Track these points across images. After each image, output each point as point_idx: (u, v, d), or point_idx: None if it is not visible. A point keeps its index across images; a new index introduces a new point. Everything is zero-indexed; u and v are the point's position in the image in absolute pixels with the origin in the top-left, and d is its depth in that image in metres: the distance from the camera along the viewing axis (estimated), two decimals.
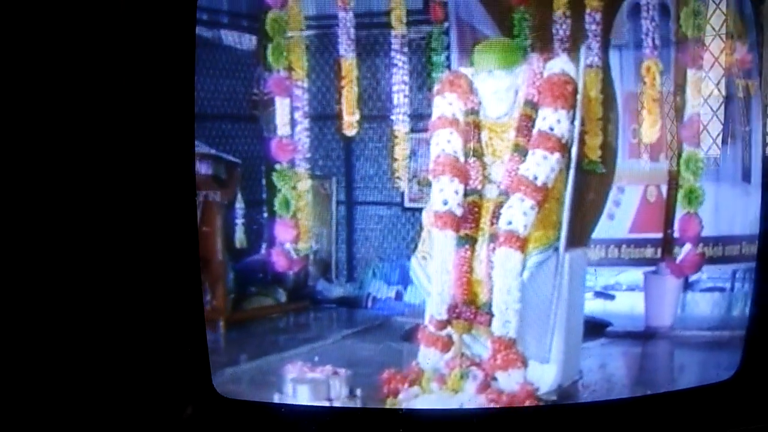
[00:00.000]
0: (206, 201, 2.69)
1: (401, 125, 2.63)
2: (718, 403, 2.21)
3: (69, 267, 2.13)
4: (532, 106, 2.52)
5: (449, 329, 2.54)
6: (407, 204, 2.70)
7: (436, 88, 2.58)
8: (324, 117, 2.69)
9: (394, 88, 2.61)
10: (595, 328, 2.62)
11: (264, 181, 2.69)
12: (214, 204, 2.70)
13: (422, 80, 2.61)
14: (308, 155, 2.68)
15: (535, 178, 2.47)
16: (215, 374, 2.49)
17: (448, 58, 2.62)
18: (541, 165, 2.47)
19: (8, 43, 2.08)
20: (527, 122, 2.51)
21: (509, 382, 2.45)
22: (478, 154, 2.56)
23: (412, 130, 2.63)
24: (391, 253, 2.77)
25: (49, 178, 2.11)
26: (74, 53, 2.09)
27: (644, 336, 2.68)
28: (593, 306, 2.63)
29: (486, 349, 2.50)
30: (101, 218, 2.12)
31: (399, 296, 2.75)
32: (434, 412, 2.41)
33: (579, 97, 2.50)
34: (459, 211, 2.54)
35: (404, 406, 2.44)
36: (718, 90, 2.51)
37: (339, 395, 2.47)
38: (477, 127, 2.57)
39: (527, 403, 2.42)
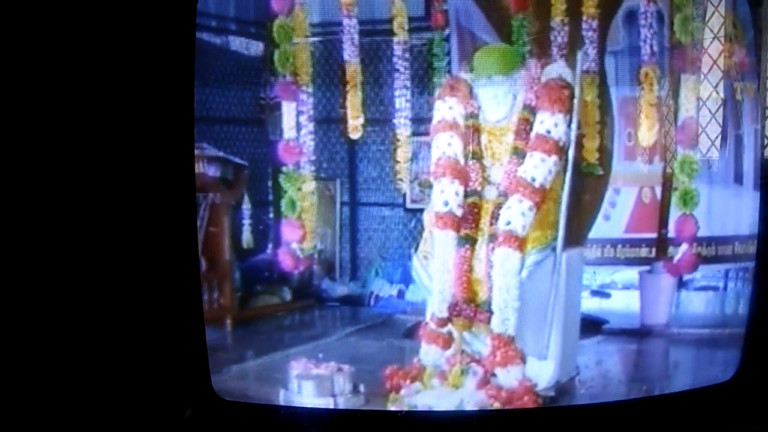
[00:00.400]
0: (214, 202, 2.72)
1: (403, 129, 2.64)
2: (718, 405, 2.21)
3: (69, 269, 2.12)
4: (530, 110, 2.52)
5: (450, 327, 2.55)
6: (409, 205, 2.71)
7: (437, 92, 2.60)
8: (328, 121, 2.70)
9: (397, 92, 2.62)
10: (591, 325, 2.62)
11: (270, 183, 2.71)
12: (222, 205, 2.72)
13: (424, 85, 2.62)
14: (313, 158, 2.70)
15: (533, 180, 2.48)
16: (222, 371, 2.53)
17: (448, 63, 2.63)
18: (539, 167, 2.48)
19: (12, 46, 2.08)
20: (525, 126, 2.52)
21: (508, 378, 2.45)
22: (478, 157, 2.57)
23: (414, 134, 2.64)
24: (393, 252, 2.77)
25: (51, 179, 2.10)
26: (76, 57, 2.08)
27: (639, 333, 2.69)
28: (590, 304, 2.62)
29: (486, 346, 2.51)
30: (101, 219, 2.11)
31: (401, 294, 2.76)
32: (433, 414, 2.41)
33: (576, 101, 2.51)
34: (459, 212, 2.55)
35: (406, 401, 2.44)
36: (717, 92, 2.52)
37: (343, 391, 2.48)
38: (477, 130, 2.58)
39: (526, 399, 2.42)
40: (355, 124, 2.65)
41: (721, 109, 2.53)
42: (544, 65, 2.53)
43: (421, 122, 2.61)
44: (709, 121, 2.55)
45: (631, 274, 2.72)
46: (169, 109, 2.11)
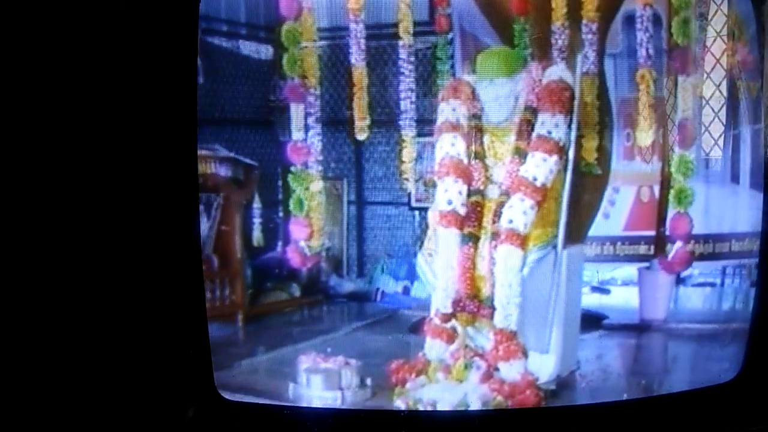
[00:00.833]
0: (226, 201, 2.75)
1: (408, 130, 2.65)
2: (721, 405, 2.20)
3: (72, 269, 2.10)
4: (531, 111, 2.53)
5: (454, 322, 2.56)
6: (414, 204, 2.72)
7: (441, 94, 2.61)
8: (336, 122, 2.71)
9: (402, 94, 2.64)
10: (591, 320, 2.63)
11: (280, 183, 2.71)
12: (233, 204, 2.75)
13: (428, 87, 2.64)
14: (321, 158, 2.71)
15: (535, 179, 2.49)
16: (233, 365, 2.57)
17: (452, 66, 2.64)
18: (540, 167, 2.49)
19: (17, 48, 2.06)
20: (527, 127, 2.53)
21: (510, 371, 2.47)
22: (481, 157, 2.58)
23: (419, 135, 2.65)
24: (398, 250, 2.79)
25: (56, 178, 2.09)
26: (80, 59, 2.06)
27: (638, 328, 2.70)
28: (590, 300, 2.63)
29: (489, 341, 2.53)
30: (105, 219, 2.09)
31: (406, 291, 2.78)
32: (435, 414, 2.41)
33: (576, 102, 2.52)
34: (463, 211, 2.56)
35: (411, 394, 2.45)
36: (720, 91, 2.52)
37: (350, 384, 2.49)
38: (479, 131, 2.59)
39: (528, 392, 2.42)
40: (362, 126, 2.67)
41: (724, 108, 2.53)
42: (545, 67, 2.54)
43: (425, 123, 2.62)
44: (712, 120, 2.55)
45: (630, 270, 2.72)
46: (173, 109, 2.09)
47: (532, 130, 2.53)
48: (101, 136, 2.07)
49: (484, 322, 2.54)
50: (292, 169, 2.70)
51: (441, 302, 2.57)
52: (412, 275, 2.72)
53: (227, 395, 2.35)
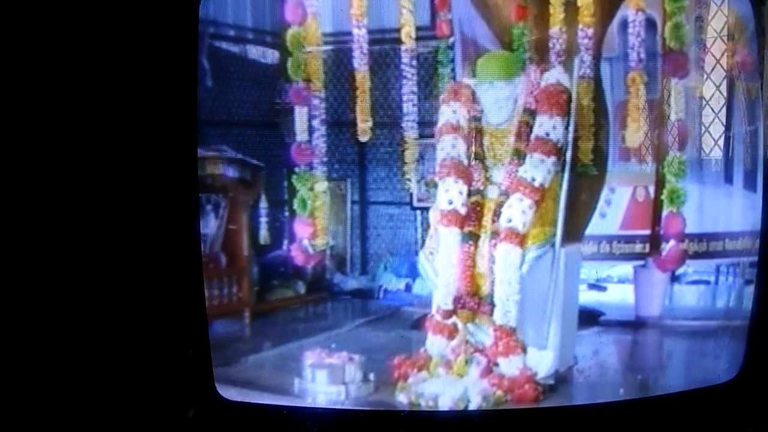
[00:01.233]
0: (233, 201, 2.76)
1: (410, 131, 2.65)
2: (721, 405, 2.19)
3: (74, 270, 2.08)
4: (530, 113, 2.55)
5: (455, 318, 2.57)
6: (416, 204, 2.73)
7: (441, 97, 2.63)
8: (339, 124, 2.72)
9: (404, 97, 2.65)
10: (588, 317, 2.64)
11: (285, 183, 2.72)
12: (241, 204, 2.76)
13: (429, 90, 2.65)
14: (325, 159, 2.72)
15: (533, 180, 2.51)
16: (240, 360, 2.58)
17: (453, 70, 2.66)
18: (539, 167, 2.52)
19: (20, 51, 2.04)
20: (525, 128, 2.55)
21: (510, 367, 2.49)
22: (481, 158, 2.60)
23: (420, 136, 2.65)
24: (401, 248, 2.79)
25: (58, 179, 2.07)
26: (82, 62, 2.05)
27: (634, 325, 2.71)
28: (587, 297, 2.64)
29: (488, 337, 2.54)
30: (105, 220, 2.08)
31: (408, 288, 2.79)
32: (435, 414, 2.42)
33: (573, 105, 2.54)
34: (463, 210, 2.58)
35: (413, 389, 2.46)
36: (720, 92, 2.52)
37: (354, 379, 2.51)
38: (479, 132, 2.61)
39: (527, 387, 2.45)
40: (365, 128, 2.69)
41: (724, 109, 2.53)
42: (543, 71, 2.55)
43: (426, 125, 2.64)
44: (712, 121, 2.56)
45: (626, 268, 2.74)
46: (173, 111, 2.09)
47: (531, 131, 2.55)
48: (102, 138, 2.06)
49: (484, 318, 2.56)
50: (297, 170, 2.71)
51: (442, 299, 2.59)
52: (413, 273, 2.73)
53: (234, 390, 2.37)
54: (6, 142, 2.05)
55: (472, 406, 2.42)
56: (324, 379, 2.50)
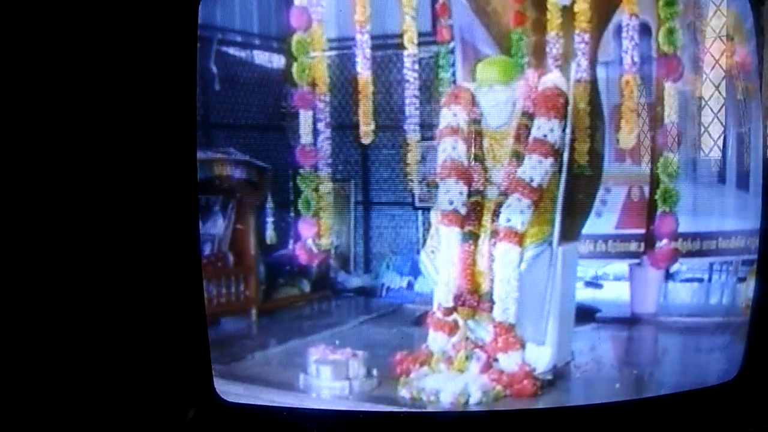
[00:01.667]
0: (240, 202, 2.79)
1: (412, 134, 2.68)
2: (720, 405, 2.18)
3: (73, 272, 2.05)
4: (528, 116, 2.57)
5: (455, 315, 2.59)
6: (417, 204, 2.73)
7: (442, 100, 2.65)
8: (343, 127, 2.74)
9: (406, 101, 2.68)
10: (585, 314, 2.66)
11: (290, 184, 2.74)
12: (247, 205, 2.79)
13: (430, 94, 2.67)
14: (329, 161, 2.74)
15: (531, 180, 2.53)
16: (247, 357, 2.60)
17: (453, 74, 2.69)
18: (536, 168, 2.53)
19: (21, 53, 2.02)
20: (524, 131, 2.57)
21: (509, 362, 2.51)
22: (480, 159, 2.62)
23: (422, 138, 2.68)
24: (403, 247, 2.83)
25: (58, 179, 2.04)
26: (82, 63, 2.02)
27: (630, 321, 2.73)
28: (584, 294, 2.67)
29: (488, 333, 2.56)
30: (105, 222, 2.05)
31: (410, 286, 2.81)
32: (434, 414, 2.42)
33: (570, 108, 2.56)
34: (463, 210, 2.60)
35: (415, 384, 2.48)
36: (719, 93, 2.52)
37: (357, 375, 2.53)
38: (479, 135, 2.62)
39: (525, 382, 2.47)
40: (367, 130, 2.71)
41: (724, 109, 2.53)
42: (541, 75, 2.58)
43: (428, 128, 2.66)
44: (711, 121, 2.56)
45: (622, 266, 2.76)
46: (174, 112, 2.07)
47: (529, 133, 2.57)
48: (101, 140, 2.04)
49: (483, 315, 2.57)
50: (302, 171, 2.73)
51: (443, 297, 2.60)
52: (415, 271, 2.75)
53: (241, 386, 2.42)
54: (6, 144, 2.04)
55: (473, 401, 2.44)
56: (328, 374, 2.52)
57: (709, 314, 2.64)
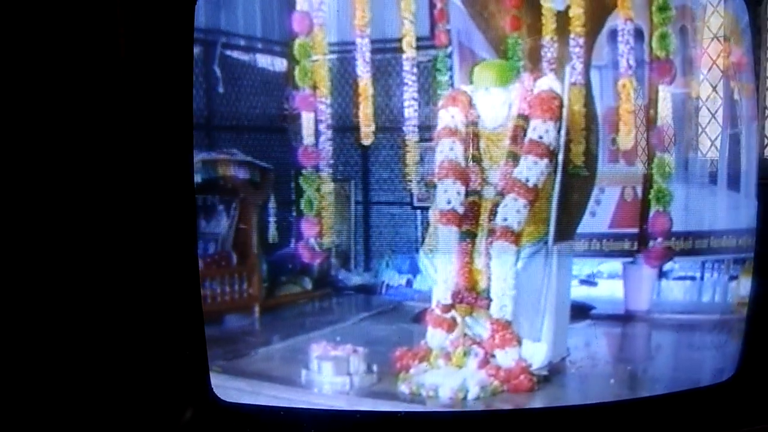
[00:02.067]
0: (243, 202, 2.81)
1: (411, 135, 2.69)
2: (718, 405, 2.18)
3: (71, 272, 2.05)
4: (523, 118, 2.58)
5: (453, 312, 2.62)
6: (416, 203, 2.74)
7: (440, 103, 2.66)
8: (344, 128, 2.74)
9: (405, 103, 2.68)
10: (580, 311, 2.69)
11: (292, 185, 2.75)
12: (250, 204, 2.81)
13: (429, 96, 2.68)
14: (330, 162, 2.75)
15: (527, 181, 2.55)
16: (250, 353, 2.61)
17: (451, 77, 2.70)
18: (532, 169, 2.55)
19: (21, 56, 2.01)
20: (520, 132, 2.58)
21: (506, 358, 2.53)
22: (477, 160, 2.64)
23: (420, 140, 2.68)
24: (402, 246, 2.81)
25: (55, 180, 2.04)
26: (82, 65, 2.02)
27: (624, 318, 2.77)
28: (579, 292, 2.68)
29: (486, 330, 2.58)
30: (102, 222, 2.04)
31: (409, 284, 2.84)
32: (432, 415, 2.41)
33: (564, 110, 2.57)
34: (461, 210, 2.62)
35: (414, 380, 2.50)
36: (716, 93, 2.54)
37: (358, 370, 2.54)
38: (476, 136, 2.64)
39: (522, 378, 2.48)
40: (367, 132, 2.71)
41: (721, 110, 2.55)
42: (536, 78, 2.60)
43: (426, 129, 2.67)
44: (708, 122, 2.59)
45: (616, 265, 2.79)
46: (172, 115, 2.07)
47: (525, 135, 2.59)
48: (102, 141, 2.04)
49: (481, 312, 2.60)
50: (304, 172, 2.74)
51: (441, 294, 2.63)
52: (414, 269, 2.77)
53: (243, 382, 2.44)
54: (4, 146, 2.04)
55: (471, 396, 2.46)
56: (330, 370, 2.53)
57: (702, 311, 2.67)
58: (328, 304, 2.89)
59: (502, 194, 2.60)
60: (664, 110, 2.57)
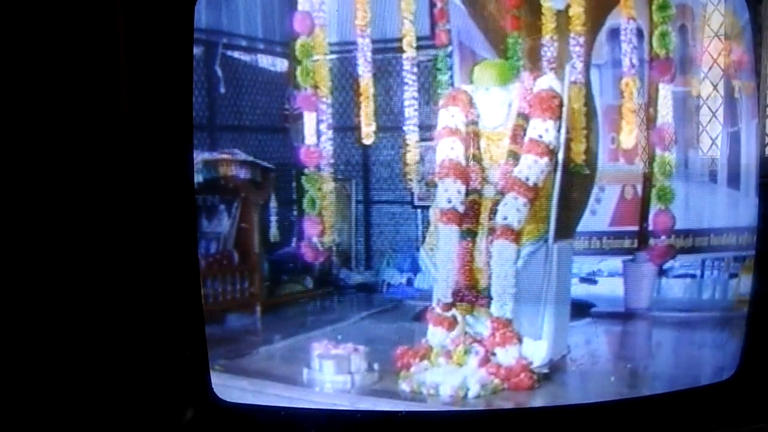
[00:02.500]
0: (245, 201, 2.81)
1: (411, 135, 2.69)
2: (719, 403, 2.17)
3: (71, 272, 2.04)
4: (523, 117, 2.59)
5: (454, 311, 2.63)
6: (416, 203, 2.75)
7: (441, 102, 2.66)
8: (345, 128, 2.75)
9: (405, 102, 2.68)
10: (580, 309, 2.67)
11: (294, 184, 2.76)
12: (252, 204, 2.81)
13: (429, 96, 2.68)
14: (331, 161, 2.76)
15: (527, 179, 2.55)
16: (252, 352, 2.62)
17: (451, 77, 2.70)
18: (532, 168, 2.55)
19: (21, 57, 2.01)
20: (520, 131, 2.59)
21: (506, 356, 2.54)
22: (478, 159, 2.64)
23: (421, 139, 2.69)
24: (403, 245, 2.81)
25: (54, 180, 2.04)
26: (82, 65, 2.01)
27: (624, 316, 2.75)
28: (579, 290, 2.66)
29: (486, 328, 2.59)
30: (103, 222, 2.04)
31: (410, 282, 2.82)
32: (432, 414, 2.41)
33: (564, 109, 2.57)
34: (461, 209, 2.62)
35: (415, 378, 2.50)
36: (717, 91, 2.54)
37: (359, 369, 2.55)
38: (476, 135, 2.64)
39: (522, 376, 2.49)
40: (368, 131, 2.72)
41: (721, 108, 2.55)
42: (536, 77, 2.60)
43: (426, 129, 2.68)
44: (709, 120, 2.58)
45: (616, 263, 2.78)
46: (172, 115, 2.06)
47: (525, 134, 2.59)
48: (102, 141, 2.04)
49: (481, 310, 2.60)
50: (305, 171, 2.75)
51: (442, 293, 2.63)
52: (415, 268, 2.76)
53: (245, 381, 2.44)
54: (4, 147, 2.04)
55: (471, 394, 2.46)
56: (331, 368, 2.54)
57: (702, 309, 2.67)
58: (330, 302, 2.89)
59: (502, 193, 2.60)
60: (665, 109, 2.58)
